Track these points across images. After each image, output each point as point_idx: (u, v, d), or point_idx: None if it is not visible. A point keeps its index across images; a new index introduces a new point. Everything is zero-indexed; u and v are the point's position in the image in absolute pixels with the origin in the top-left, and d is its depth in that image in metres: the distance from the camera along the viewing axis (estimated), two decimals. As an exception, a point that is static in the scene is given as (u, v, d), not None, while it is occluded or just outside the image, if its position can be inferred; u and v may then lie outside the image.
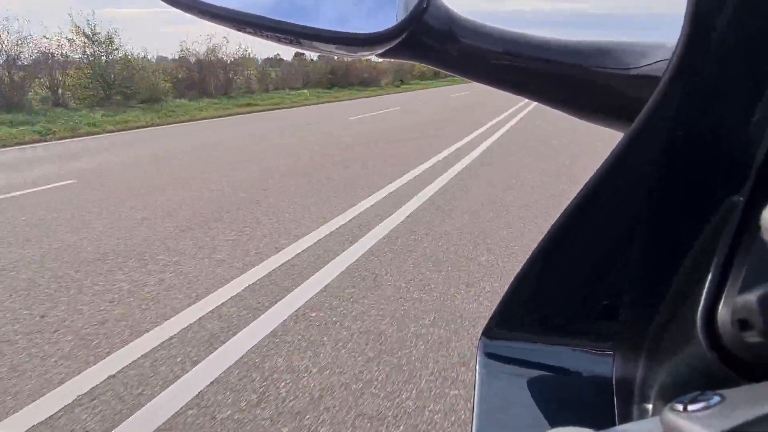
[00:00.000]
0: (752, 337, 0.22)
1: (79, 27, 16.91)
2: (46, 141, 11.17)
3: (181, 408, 2.13)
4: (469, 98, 19.55)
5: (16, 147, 10.32)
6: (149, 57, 20.45)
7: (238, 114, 16.62)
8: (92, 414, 2.12)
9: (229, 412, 2.11)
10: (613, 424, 0.32)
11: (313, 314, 2.91)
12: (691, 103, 0.29)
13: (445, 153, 7.93)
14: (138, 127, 13.28)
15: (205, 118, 15.33)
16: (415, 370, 2.38)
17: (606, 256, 0.34)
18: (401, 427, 2.02)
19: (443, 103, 18.79)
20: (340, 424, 2.04)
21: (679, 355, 0.27)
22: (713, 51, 0.28)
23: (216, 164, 7.57)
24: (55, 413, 2.13)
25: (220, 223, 4.67)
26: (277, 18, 0.35)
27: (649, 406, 0.29)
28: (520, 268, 0.36)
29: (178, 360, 2.48)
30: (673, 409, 0.19)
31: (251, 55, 23.71)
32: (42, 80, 16.09)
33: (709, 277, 0.25)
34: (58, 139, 11.40)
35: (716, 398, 0.19)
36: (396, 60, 0.38)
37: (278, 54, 35.46)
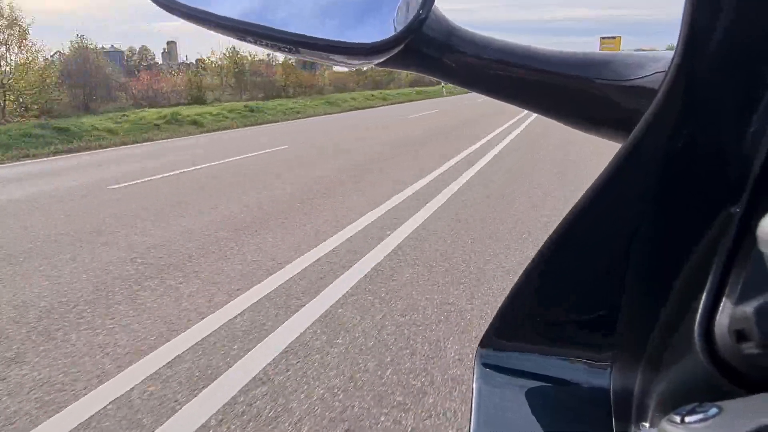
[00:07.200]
0: (750, 349, 0.22)
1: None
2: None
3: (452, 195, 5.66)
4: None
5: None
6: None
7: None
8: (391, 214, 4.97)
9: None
10: None
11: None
12: (688, 114, 0.29)
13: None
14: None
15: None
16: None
17: (603, 268, 0.34)
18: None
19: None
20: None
21: (677, 366, 0.27)
22: (709, 62, 0.28)
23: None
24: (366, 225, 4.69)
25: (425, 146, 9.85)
26: (277, 27, 0.35)
27: (647, 418, 0.29)
28: (517, 279, 0.36)
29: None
30: (671, 421, 0.19)
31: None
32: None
33: (707, 288, 0.25)
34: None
35: (714, 410, 0.19)
36: (395, 70, 0.38)
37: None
